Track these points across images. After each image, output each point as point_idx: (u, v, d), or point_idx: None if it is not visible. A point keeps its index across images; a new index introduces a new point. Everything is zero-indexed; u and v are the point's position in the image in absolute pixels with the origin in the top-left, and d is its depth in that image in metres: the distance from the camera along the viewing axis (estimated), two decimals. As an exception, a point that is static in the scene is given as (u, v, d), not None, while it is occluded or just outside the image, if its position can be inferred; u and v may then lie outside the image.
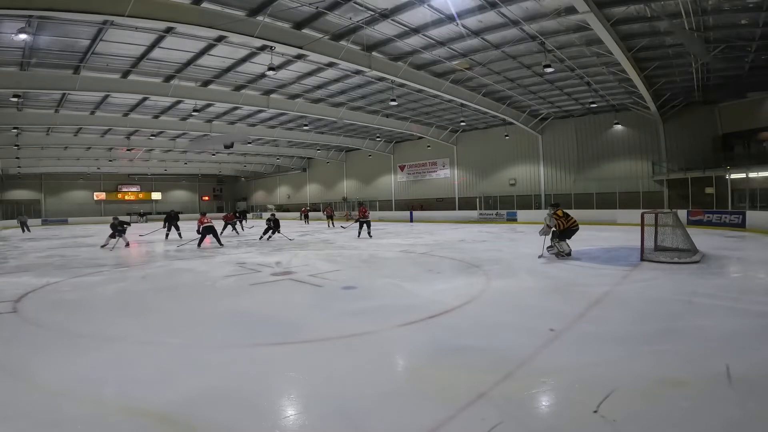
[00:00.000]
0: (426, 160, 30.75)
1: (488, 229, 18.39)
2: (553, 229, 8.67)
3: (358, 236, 15.03)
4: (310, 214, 30.23)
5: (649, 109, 19.07)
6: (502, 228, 18.85)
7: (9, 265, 9.93)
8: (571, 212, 9.07)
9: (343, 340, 3.97)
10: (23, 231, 23.90)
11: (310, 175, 41.24)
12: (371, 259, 9.83)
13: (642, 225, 8.39)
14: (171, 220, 16.82)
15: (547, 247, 8.94)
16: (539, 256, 8.70)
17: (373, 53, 13.61)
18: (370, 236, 14.82)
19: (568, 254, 8.61)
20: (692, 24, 11.14)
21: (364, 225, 15.12)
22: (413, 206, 29.60)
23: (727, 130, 18.65)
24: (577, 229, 8.72)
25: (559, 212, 8.64)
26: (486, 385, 2.85)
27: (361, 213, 15.54)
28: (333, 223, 23.69)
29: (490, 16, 11.30)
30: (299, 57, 13.96)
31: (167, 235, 16.59)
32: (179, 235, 16.55)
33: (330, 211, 25.30)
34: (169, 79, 15.54)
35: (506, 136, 25.08)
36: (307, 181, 41.61)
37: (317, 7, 10.61)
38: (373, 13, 11.03)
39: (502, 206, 24.49)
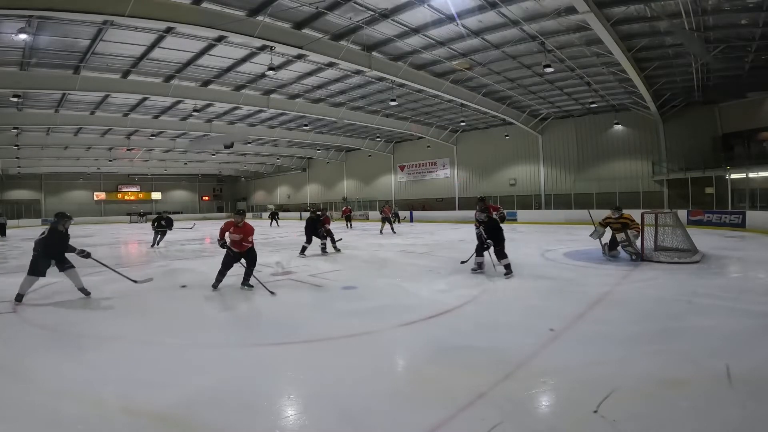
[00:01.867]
0: (426, 160, 30.75)
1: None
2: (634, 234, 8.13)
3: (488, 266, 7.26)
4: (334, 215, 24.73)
5: (649, 109, 19.07)
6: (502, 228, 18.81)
7: (9, 265, 9.93)
8: (572, 212, 8.88)
9: (343, 340, 3.97)
10: (2, 235, 20.11)
11: (310, 175, 41.24)
12: (371, 259, 9.83)
13: (642, 225, 8.38)
14: (274, 215, 19.35)
15: (610, 252, 8.51)
16: (603, 255, 8.46)
17: (373, 53, 13.61)
18: (508, 276, 6.77)
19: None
20: (692, 24, 11.13)
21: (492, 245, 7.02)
22: (413, 206, 29.60)
23: (727, 130, 18.65)
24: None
25: (627, 215, 8.09)
26: (486, 385, 2.85)
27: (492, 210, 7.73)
28: (392, 227, 17.60)
29: (490, 16, 11.30)
30: (299, 57, 13.96)
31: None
32: (277, 224, 19.01)
33: (387, 211, 18.08)
34: (169, 79, 15.54)
35: (506, 136, 25.09)
36: (307, 181, 41.63)
37: (317, 7, 10.61)
38: (373, 13, 11.03)
39: (502, 206, 24.41)
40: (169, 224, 14.37)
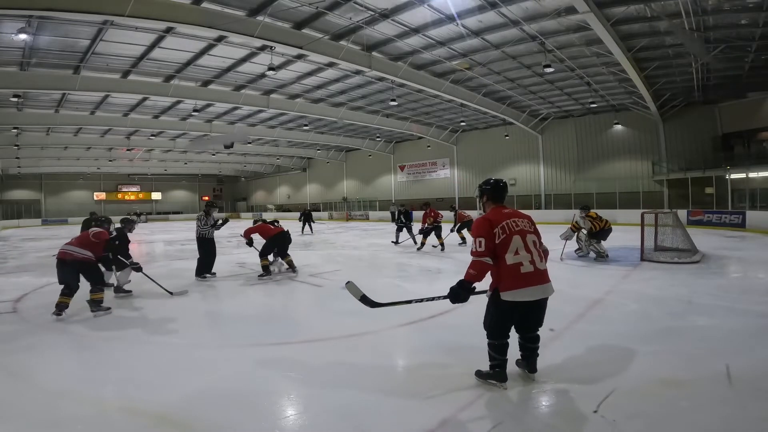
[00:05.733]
0: (426, 160, 30.75)
1: (488, 229, 18.34)
2: (584, 231, 8.45)
3: None
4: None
5: (649, 109, 19.07)
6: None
7: (9, 265, 9.93)
8: (572, 212, 8.89)
9: (343, 340, 3.96)
10: None
11: (310, 175, 41.25)
12: (371, 259, 9.83)
13: (642, 225, 8.38)
14: (307, 217, 19.06)
15: (576, 250, 8.77)
16: (560, 259, 8.39)
17: (373, 53, 13.61)
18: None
19: (607, 256, 8.28)
20: (692, 24, 11.14)
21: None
22: (413, 206, 29.58)
23: (727, 130, 18.66)
24: (611, 230, 8.41)
25: (592, 214, 8.37)
26: (486, 385, 2.85)
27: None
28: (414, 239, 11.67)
29: (490, 16, 11.30)
30: (299, 57, 13.96)
31: (302, 230, 18.03)
32: (311, 230, 18.38)
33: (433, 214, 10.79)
34: (169, 79, 15.55)
35: (506, 136, 25.09)
36: (307, 181, 41.64)
37: (317, 7, 10.62)
38: (373, 13, 11.03)
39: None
40: (408, 217, 12.15)
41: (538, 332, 2.90)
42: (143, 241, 17.29)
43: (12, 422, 2.54)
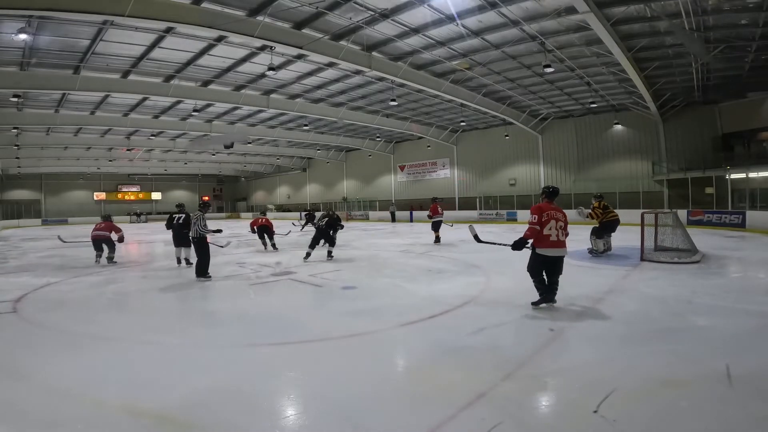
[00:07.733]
0: (426, 160, 30.75)
1: (488, 229, 18.37)
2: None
3: None
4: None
5: (649, 109, 19.07)
6: (502, 228, 18.84)
7: (9, 265, 9.93)
8: (572, 212, 8.83)
9: (343, 340, 3.97)
10: None
11: (310, 175, 41.25)
12: (371, 259, 9.83)
13: (642, 225, 8.37)
14: (312, 218, 19.23)
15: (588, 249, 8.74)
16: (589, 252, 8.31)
17: (373, 53, 13.61)
18: None
19: (602, 252, 8.08)
20: (692, 24, 11.14)
21: None
22: (413, 206, 29.60)
23: (727, 130, 18.65)
24: (617, 221, 8.16)
25: (595, 203, 8.19)
26: (486, 385, 2.85)
27: None
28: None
29: (490, 16, 11.30)
30: (299, 57, 13.96)
31: (303, 227, 17.91)
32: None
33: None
34: (169, 79, 15.55)
35: (506, 136, 25.10)
36: (307, 181, 41.64)
37: (317, 7, 10.62)
38: (373, 13, 11.03)
39: (502, 206, 24.48)
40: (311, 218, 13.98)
41: (558, 279, 4.79)
42: (143, 241, 17.27)
43: (12, 422, 2.54)
